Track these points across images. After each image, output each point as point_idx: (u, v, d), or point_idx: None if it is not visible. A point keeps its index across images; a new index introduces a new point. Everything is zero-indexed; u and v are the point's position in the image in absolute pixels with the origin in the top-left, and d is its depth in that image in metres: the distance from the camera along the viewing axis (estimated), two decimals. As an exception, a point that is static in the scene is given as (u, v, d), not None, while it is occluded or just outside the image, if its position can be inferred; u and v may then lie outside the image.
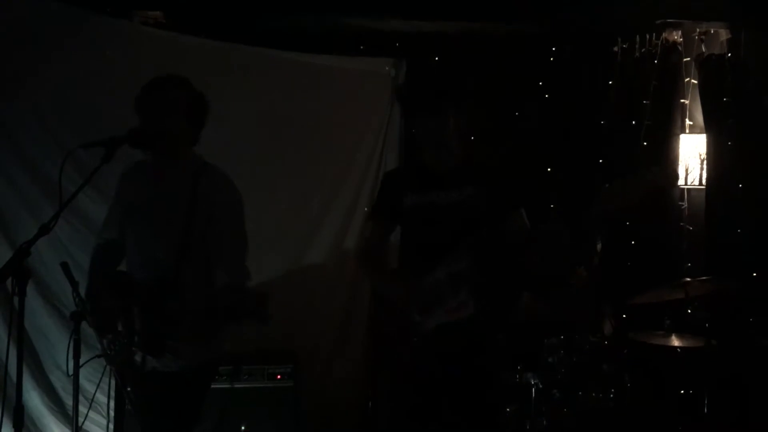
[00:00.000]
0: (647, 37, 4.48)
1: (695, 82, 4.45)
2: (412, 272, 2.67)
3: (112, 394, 3.37)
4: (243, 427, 3.64)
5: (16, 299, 2.11)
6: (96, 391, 3.23)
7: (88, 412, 3.36)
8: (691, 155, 4.45)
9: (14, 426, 2.15)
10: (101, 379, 3.01)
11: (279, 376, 3.71)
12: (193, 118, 2.61)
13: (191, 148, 2.67)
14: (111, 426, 3.50)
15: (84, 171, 2.41)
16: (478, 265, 2.54)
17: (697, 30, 4.42)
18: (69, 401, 3.60)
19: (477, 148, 2.80)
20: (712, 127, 4.40)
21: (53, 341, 3.68)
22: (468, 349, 2.61)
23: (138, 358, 2.56)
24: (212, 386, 2.87)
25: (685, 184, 4.46)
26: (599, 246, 3.87)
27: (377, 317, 2.86)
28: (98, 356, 2.67)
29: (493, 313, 2.58)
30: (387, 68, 4.51)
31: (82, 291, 2.76)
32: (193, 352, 2.57)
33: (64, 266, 2.82)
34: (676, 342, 3.70)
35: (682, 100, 4.50)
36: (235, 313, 2.34)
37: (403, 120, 4.51)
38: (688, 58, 4.45)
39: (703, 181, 4.43)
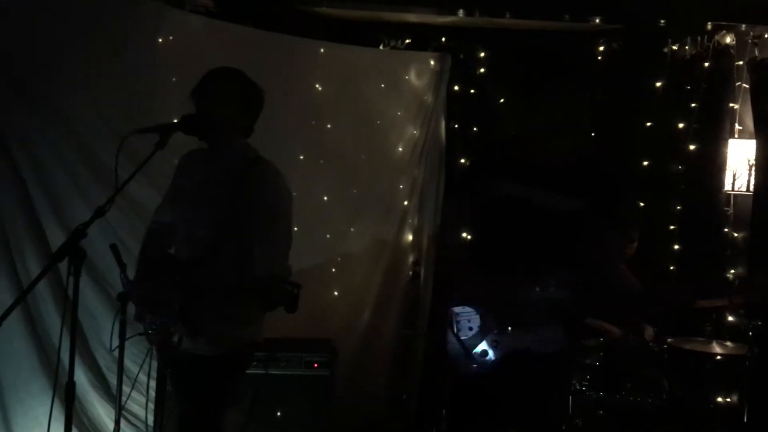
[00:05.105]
0: (698, 39, 4.41)
1: (746, 86, 4.37)
2: (490, 276, 2.27)
3: (154, 374, 3.44)
4: (278, 413, 3.69)
5: (70, 278, 2.18)
6: (139, 371, 3.32)
7: (131, 391, 3.45)
8: (740, 160, 4.37)
9: (65, 401, 2.23)
10: (144, 360, 3.09)
11: (316, 365, 3.74)
12: (246, 110, 2.66)
13: (245, 140, 2.71)
14: (152, 405, 3.58)
15: (135, 157, 2.47)
16: (582, 302, 2.14)
17: (751, 33, 4.33)
18: (113, 380, 3.68)
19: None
20: (762, 132, 4.31)
21: (99, 321, 3.76)
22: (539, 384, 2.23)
23: (175, 338, 2.62)
24: (249, 371, 2.91)
25: (732, 189, 4.39)
26: None
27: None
28: (140, 334, 2.73)
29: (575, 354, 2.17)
30: (432, 62, 4.52)
31: (130, 273, 2.84)
32: (227, 338, 2.60)
33: (114, 248, 2.92)
34: (716, 349, 3.66)
35: (732, 104, 4.42)
36: (269, 300, 2.35)
37: (447, 115, 4.53)
38: (741, 62, 4.37)
39: (751, 187, 4.35)
